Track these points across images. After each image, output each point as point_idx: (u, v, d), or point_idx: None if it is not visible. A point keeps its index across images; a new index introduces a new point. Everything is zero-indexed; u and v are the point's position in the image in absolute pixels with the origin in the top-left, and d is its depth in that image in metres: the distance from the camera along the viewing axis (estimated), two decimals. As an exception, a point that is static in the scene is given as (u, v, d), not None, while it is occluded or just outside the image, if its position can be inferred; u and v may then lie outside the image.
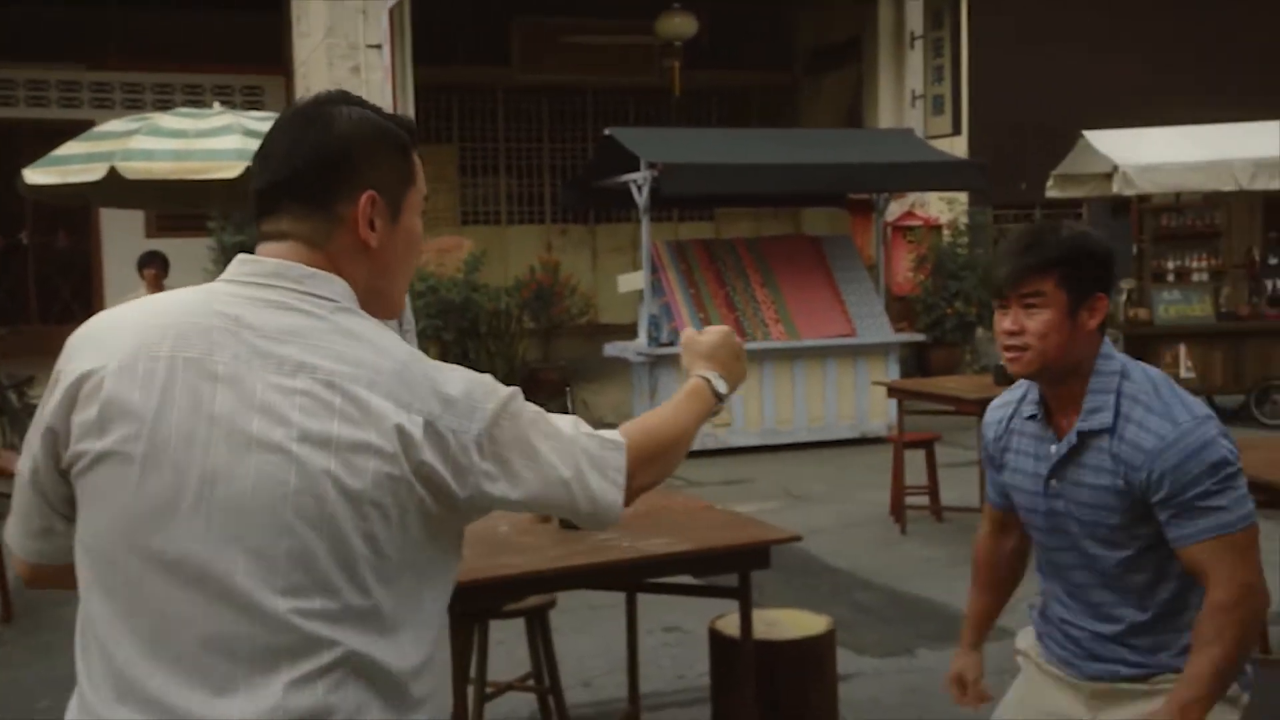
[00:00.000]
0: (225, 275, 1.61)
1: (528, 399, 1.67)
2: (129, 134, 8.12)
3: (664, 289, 10.47)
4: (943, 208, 13.91)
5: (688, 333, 2.04)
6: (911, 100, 14.50)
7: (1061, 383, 2.35)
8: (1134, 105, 13.23)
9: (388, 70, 12.14)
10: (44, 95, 13.47)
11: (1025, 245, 2.31)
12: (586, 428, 1.70)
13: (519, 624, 4.50)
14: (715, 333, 2.01)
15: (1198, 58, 15.79)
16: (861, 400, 10.75)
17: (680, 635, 5.47)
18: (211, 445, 1.48)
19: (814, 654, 3.87)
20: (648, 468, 1.76)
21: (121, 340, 1.54)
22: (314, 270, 1.58)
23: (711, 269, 10.80)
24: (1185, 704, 2.17)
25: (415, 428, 1.51)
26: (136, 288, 9.38)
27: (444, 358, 12.21)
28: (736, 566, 3.49)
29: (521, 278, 13.68)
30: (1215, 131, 11.83)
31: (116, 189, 8.33)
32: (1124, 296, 12.02)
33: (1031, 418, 2.43)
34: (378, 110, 1.68)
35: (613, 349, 11.01)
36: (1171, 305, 11.67)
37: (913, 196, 13.89)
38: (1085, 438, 2.31)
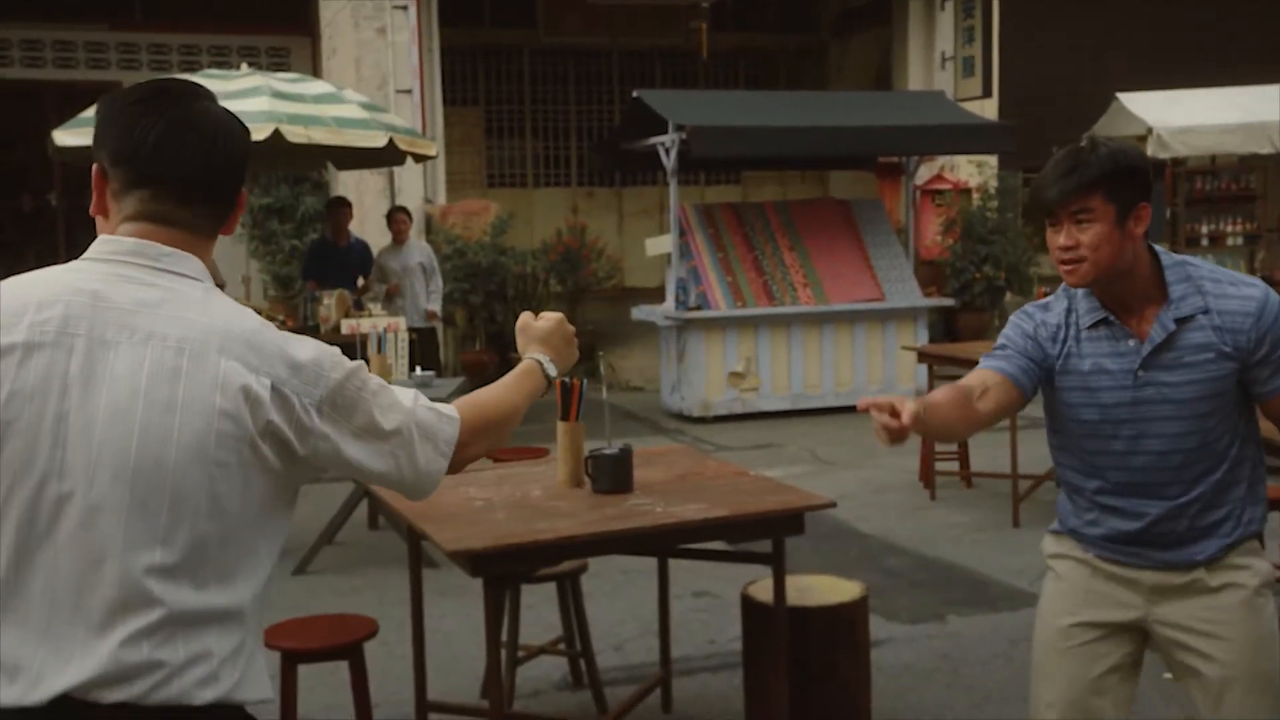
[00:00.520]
0: (88, 254, 1.75)
1: None
2: (157, 96, 8.10)
3: (692, 253, 10.42)
4: (972, 171, 13.78)
5: (524, 317, 2.28)
6: (941, 62, 14.33)
7: (1120, 285, 2.50)
8: (1168, 67, 13.05)
9: (414, 32, 12.10)
10: (71, 56, 13.43)
11: (1070, 166, 2.44)
12: (425, 401, 1.87)
13: (550, 588, 4.51)
14: (550, 319, 2.27)
15: (1233, 19, 15.55)
16: (890, 365, 10.69)
17: (710, 600, 5.48)
18: (65, 413, 1.61)
19: (847, 620, 3.85)
20: (478, 440, 1.94)
21: None
22: (172, 249, 1.73)
23: (739, 233, 10.73)
24: None
25: (263, 389, 1.67)
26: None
27: (471, 321, 12.30)
28: (771, 532, 3.48)
29: (548, 241, 13.66)
30: (1251, 94, 11.67)
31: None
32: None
33: (1097, 325, 2.54)
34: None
35: (640, 313, 10.98)
36: (1205, 270, 11.54)
37: (942, 160, 13.75)
38: (1182, 323, 2.48)
